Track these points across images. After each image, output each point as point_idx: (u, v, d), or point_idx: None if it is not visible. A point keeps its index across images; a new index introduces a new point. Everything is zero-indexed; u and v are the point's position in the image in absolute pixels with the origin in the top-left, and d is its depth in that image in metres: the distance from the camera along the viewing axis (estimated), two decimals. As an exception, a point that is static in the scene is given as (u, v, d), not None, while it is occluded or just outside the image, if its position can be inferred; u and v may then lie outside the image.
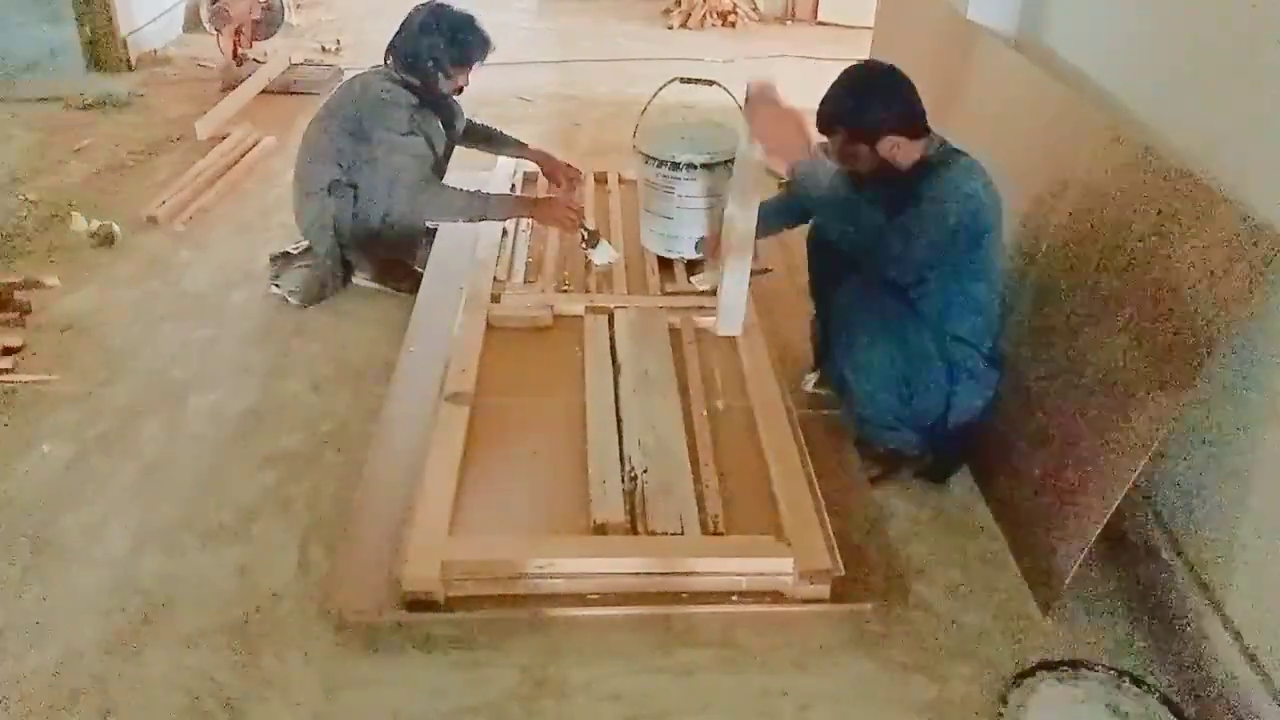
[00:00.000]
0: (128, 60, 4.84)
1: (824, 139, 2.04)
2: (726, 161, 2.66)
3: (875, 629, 1.85)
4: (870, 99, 1.96)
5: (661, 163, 2.68)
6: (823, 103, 1.99)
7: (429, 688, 1.70)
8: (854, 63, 2.05)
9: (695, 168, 2.65)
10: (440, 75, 2.73)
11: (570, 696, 1.70)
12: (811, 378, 2.46)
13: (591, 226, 2.79)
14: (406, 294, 2.88)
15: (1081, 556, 1.78)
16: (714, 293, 2.75)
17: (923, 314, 2.01)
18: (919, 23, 3.30)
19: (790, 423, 2.21)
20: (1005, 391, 2.13)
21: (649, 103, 2.69)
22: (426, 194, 2.72)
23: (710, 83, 2.68)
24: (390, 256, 2.92)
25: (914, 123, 1.97)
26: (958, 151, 1.99)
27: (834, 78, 2.01)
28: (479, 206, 2.75)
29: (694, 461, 2.09)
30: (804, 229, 2.39)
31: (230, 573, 1.94)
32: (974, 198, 1.91)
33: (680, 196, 2.71)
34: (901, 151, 1.96)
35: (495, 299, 2.63)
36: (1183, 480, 1.87)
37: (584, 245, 2.75)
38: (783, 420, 2.21)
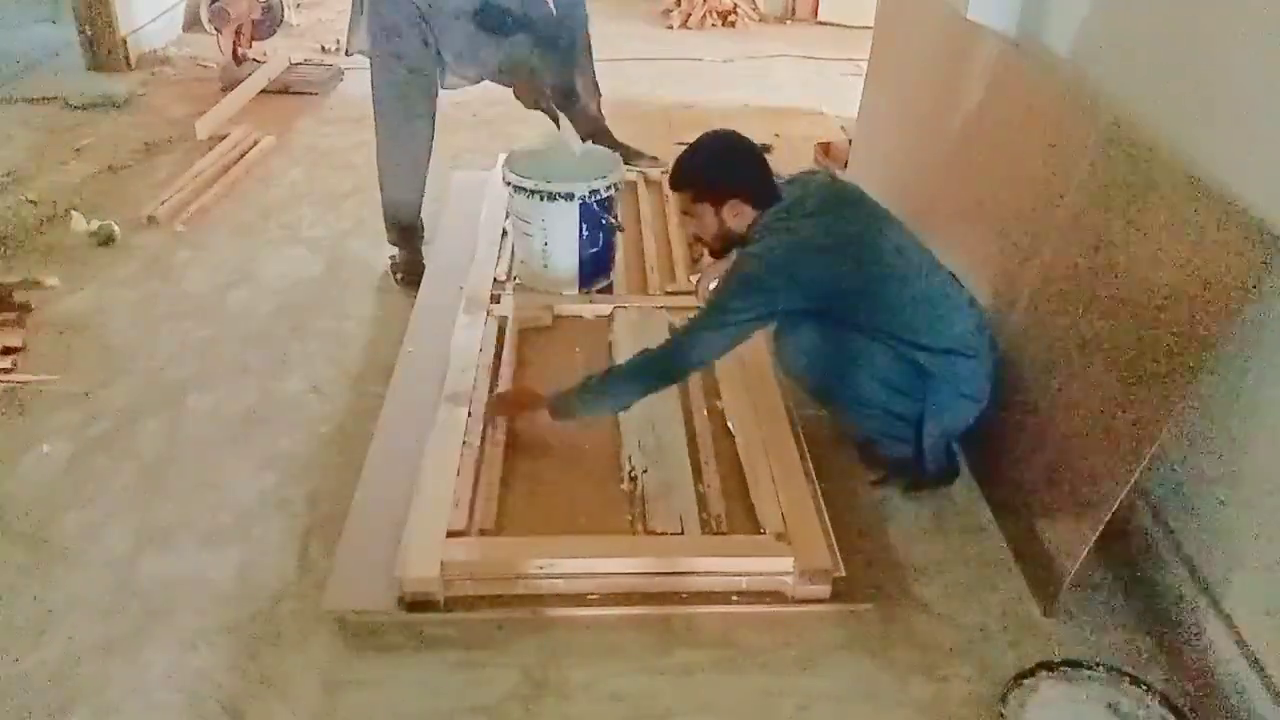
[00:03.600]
0: (128, 60, 4.84)
1: None
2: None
3: (875, 629, 1.85)
4: (722, 163, 2.06)
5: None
6: (677, 162, 2.08)
7: (429, 688, 1.70)
8: (712, 130, 2.14)
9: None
10: None
11: (570, 697, 1.69)
12: None
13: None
14: (402, 281, 2.90)
15: (1081, 556, 1.78)
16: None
17: (889, 332, 1.97)
18: (919, 23, 3.29)
19: (790, 423, 2.22)
20: (1005, 392, 2.13)
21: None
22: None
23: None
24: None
25: (759, 192, 2.04)
26: (786, 213, 2.01)
27: (694, 141, 2.09)
28: None
29: (694, 461, 2.09)
30: None
31: (230, 573, 1.94)
32: (773, 268, 1.91)
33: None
34: (741, 218, 2.04)
35: (495, 299, 2.64)
36: (1183, 480, 1.87)
37: None
38: (782, 420, 2.22)
